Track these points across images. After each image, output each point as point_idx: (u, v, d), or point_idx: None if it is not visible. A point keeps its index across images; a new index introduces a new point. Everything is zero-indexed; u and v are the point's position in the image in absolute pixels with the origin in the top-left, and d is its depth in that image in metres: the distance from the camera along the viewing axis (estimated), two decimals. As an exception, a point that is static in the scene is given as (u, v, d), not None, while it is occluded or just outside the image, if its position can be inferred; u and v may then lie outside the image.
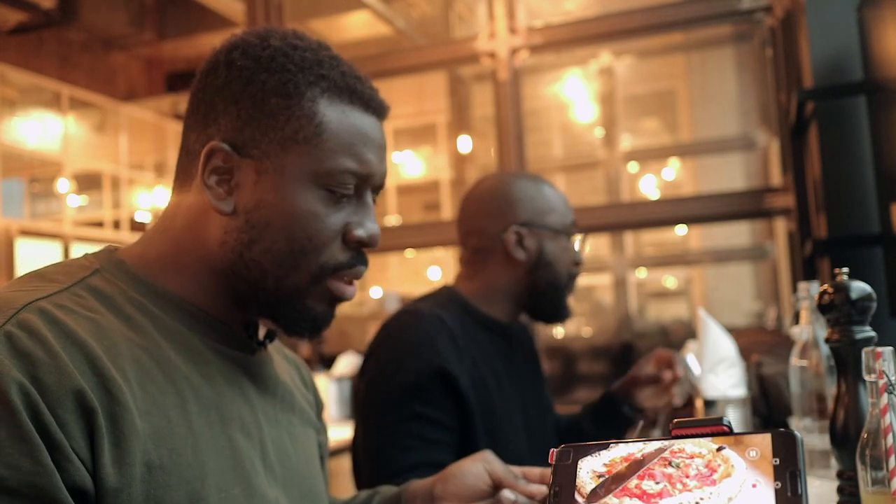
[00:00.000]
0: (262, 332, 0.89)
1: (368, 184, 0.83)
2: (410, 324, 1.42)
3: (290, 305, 0.81)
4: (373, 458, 1.34)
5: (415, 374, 1.34)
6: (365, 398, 1.40)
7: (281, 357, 0.96)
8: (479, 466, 0.93)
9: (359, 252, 0.83)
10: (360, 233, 0.82)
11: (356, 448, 1.49)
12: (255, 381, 0.84)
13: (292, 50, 0.80)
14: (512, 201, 1.53)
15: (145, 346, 0.74)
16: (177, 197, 0.83)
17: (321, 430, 1.01)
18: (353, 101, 0.81)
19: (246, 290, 0.80)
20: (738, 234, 5.91)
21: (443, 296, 1.53)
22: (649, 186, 7.71)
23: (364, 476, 1.37)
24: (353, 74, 0.82)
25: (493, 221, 1.52)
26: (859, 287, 0.90)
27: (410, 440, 1.32)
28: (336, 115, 0.80)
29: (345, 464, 2.99)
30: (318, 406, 1.02)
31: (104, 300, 0.74)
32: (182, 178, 0.83)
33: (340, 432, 2.98)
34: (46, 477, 0.62)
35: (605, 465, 0.60)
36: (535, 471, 0.95)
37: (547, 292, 1.52)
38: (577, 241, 1.55)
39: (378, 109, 0.84)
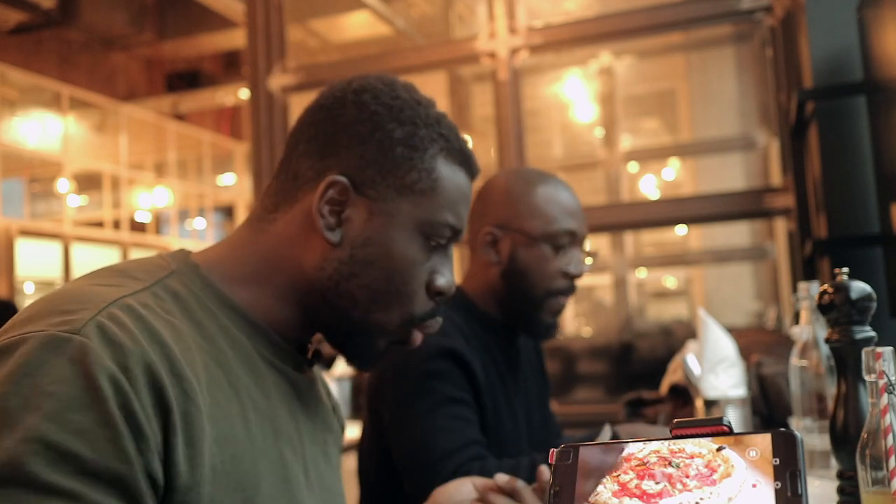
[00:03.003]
0: (310, 352, 0.92)
1: (456, 238, 0.89)
2: None
3: (366, 338, 0.86)
4: (418, 450, 1.31)
5: (437, 361, 1.34)
6: (393, 398, 1.37)
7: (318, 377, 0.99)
8: (467, 483, 0.99)
9: (436, 302, 0.89)
10: (441, 283, 0.87)
11: (365, 449, 1.47)
12: (300, 399, 0.87)
13: (417, 105, 0.86)
14: (494, 200, 1.48)
15: (213, 353, 0.76)
16: (270, 214, 0.86)
17: (341, 451, 1.04)
18: (462, 162, 0.88)
19: (328, 315, 0.85)
20: (738, 234, 5.91)
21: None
22: (649, 186, 7.72)
23: (409, 470, 1.34)
24: (461, 137, 0.90)
25: (476, 219, 1.49)
26: (859, 287, 0.90)
27: (452, 422, 1.31)
28: (449, 173, 0.87)
29: (345, 463, 2.99)
30: (341, 427, 1.05)
31: (179, 303, 0.77)
32: (282, 198, 0.86)
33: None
34: (128, 465, 0.64)
35: (605, 465, 0.60)
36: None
37: (520, 302, 1.45)
38: (570, 252, 1.45)
39: (476, 173, 0.92)
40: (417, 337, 0.88)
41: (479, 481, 0.99)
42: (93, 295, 0.70)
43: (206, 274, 0.82)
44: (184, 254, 0.84)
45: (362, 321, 0.84)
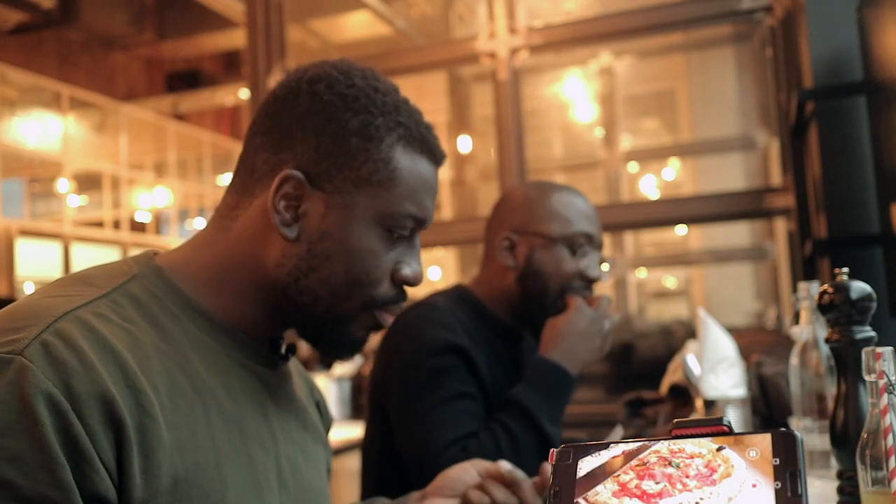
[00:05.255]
0: (283, 348, 0.91)
1: (421, 228, 0.87)
2: (426, 314, 1.43)
3: (336, 330, 0.84)
4: (421, 443, 1.33)
5: (443, 356, 1.36)
6: (400, 393, 1.39)
7: (296, 373, 0.98)
8: (471, 470, 0.99)
9: (401, 289, 0.86)
10: (407, 272, 0.85)
11: (367, 446, 1.48)
12: (274, 397, 0.86)
13: (374, 92, 0.83)
14: (511, 207, 1.51)
15: (176, 358, 0.75)
16: (233, 211, 0.84)
17: (328, 448, 1.03)
18: (423, 150, 0.85)
19: (294, 312, 0.83)
20: (738, 234, 5.91)
21: (455, 294, 1.52)
22: (649, 186, 7.72)
23: (414, 464, 1.36)
24: (424, 123, 0.86)
25: (494, 226, 1.52)
26: (859, 287, 0.90)
27: (456, 416, 1.33)
28: (408, 162, 0.83)
29: (346, 463, 3.00)
30: (328, 425, 1.03)
31: (140, 308, 0.76)
32: (241, 194, 0.84)
33: (340, 432, 2.98)
34: (60, 491, 0.62)
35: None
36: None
37: (535, 305, 1.46)
38: (588, 256, 1.46)
39: (440, 159, 0.88)
40: (385, 317, 0.86)
41: (482, 465, 0.99)
42: (43, 309, 0.69)
43: (171, 276, 0.80)
44: (148, 257, 0.82)
45: (326, 315, 0.82)
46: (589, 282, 1.47)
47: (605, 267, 1.51)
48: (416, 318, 1.44)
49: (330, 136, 0.81)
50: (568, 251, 1.45)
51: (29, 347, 0.65)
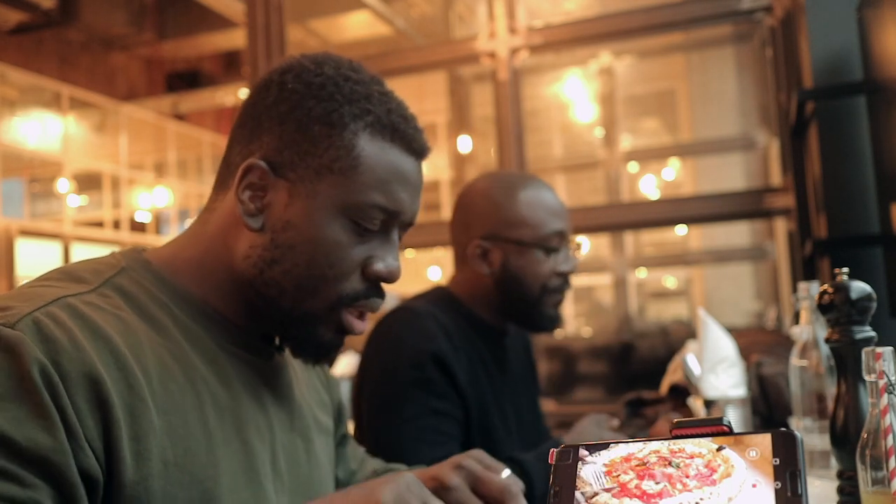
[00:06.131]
0: (276, 339, 0.90)
1: (396, 221, 0.84)
2: (407, 320, 1.42)
3: (301, 328, 0.82)
4: (397, 455, 1.29)
5: (423, 368, 1.35)
6: (374, 398, 1.38)
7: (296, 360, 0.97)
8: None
9: (376, 286, 0.84)
10: (380, 267, 0.82)
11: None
12: (270, 387, 0.85)
13: (343, 81, 0.81)
14: (478, 212, 1.48)
15: (167, 346, 0.75)
16: (212, 204, 0.85)
17: (341, 420, 1.02)
18: (395, 139, 0.82)
19: (262, 304, 0.82)
20: (738, 234, 5.91)
21: (436, 295, 1.52)
22: (649, 186, 7.72)
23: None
24: (399, 113, 0.83)
25: (462, 232, 1.50)
26: (859, 287, 0.90)
27: (434, 435, 1.32)
28: (374, 150, 0.80)
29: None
30: (335, 399, 1.03)
31: (129, 300, 0.76)
32: (220, 187, 0.84)
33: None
34: (62, 455, 0.63)
35: (605, 465, 0.60)
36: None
37: (519, 304, 1.46)
38: (561, 251, 1.46)
39: (419, 151, 0.85)
40: (353, 321, 0.83)
41: (477, 475, 0.85)
42: (34, 294, 0.70)
43: (159, 269, 0.80)
44: (136, 251, 0.83)
45: (292, 310, 0.81)
46: (565, 276, 1.47)
47: (578, 254, 1.51)
48: (396, 323, 1.43)
49: (293, 124, 0.80)
50: (542, 253, 1.44)
51: (20, 322, 0.66)
